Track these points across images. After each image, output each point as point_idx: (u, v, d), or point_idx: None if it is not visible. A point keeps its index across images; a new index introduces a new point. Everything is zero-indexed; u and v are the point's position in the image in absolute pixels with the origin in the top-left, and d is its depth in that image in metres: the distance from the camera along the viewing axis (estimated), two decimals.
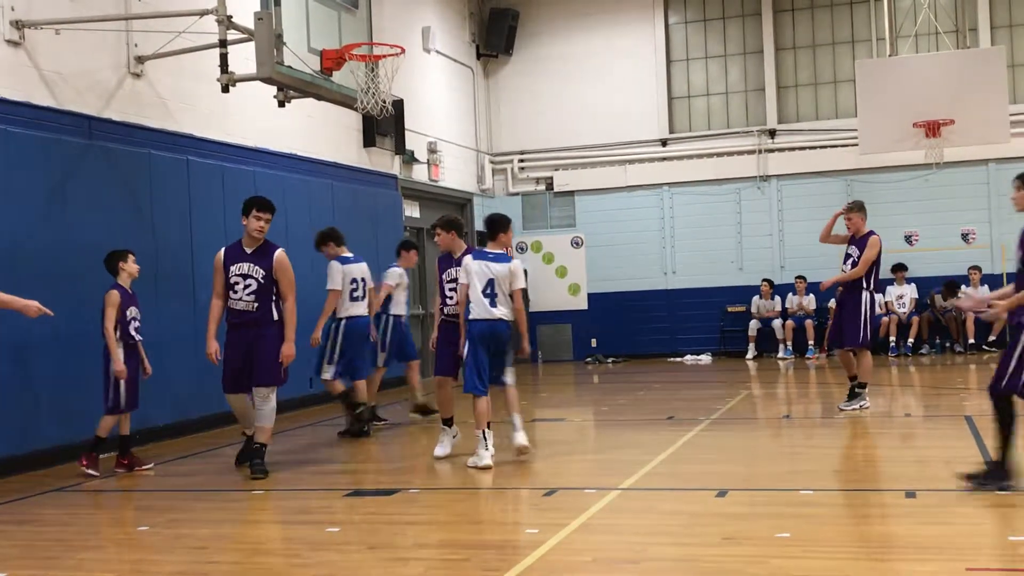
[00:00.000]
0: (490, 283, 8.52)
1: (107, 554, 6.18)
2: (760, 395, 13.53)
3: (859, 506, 6.85)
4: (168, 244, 11.40)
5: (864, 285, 10.85)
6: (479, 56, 20.54)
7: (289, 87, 10.50)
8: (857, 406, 10.85)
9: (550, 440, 10.73)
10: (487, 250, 8.69)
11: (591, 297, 20.50)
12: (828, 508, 6.78)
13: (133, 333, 8.98)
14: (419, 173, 17.79)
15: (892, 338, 18.14)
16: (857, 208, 11.18)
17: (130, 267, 9.15)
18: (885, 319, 18.25)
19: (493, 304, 8.51)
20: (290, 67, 10.12)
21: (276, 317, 8.60)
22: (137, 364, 9.03)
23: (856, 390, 10.98)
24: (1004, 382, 6.76)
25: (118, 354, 8.79)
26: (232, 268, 8.62)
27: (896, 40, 17.08)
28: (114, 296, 8.90)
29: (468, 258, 8.68)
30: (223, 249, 8.83)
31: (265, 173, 13.09)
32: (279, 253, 8.68)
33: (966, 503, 6.72)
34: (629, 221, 20.11)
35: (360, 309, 10.75)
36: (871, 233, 11.01)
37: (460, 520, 6.80)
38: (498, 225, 8.77)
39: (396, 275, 11.65)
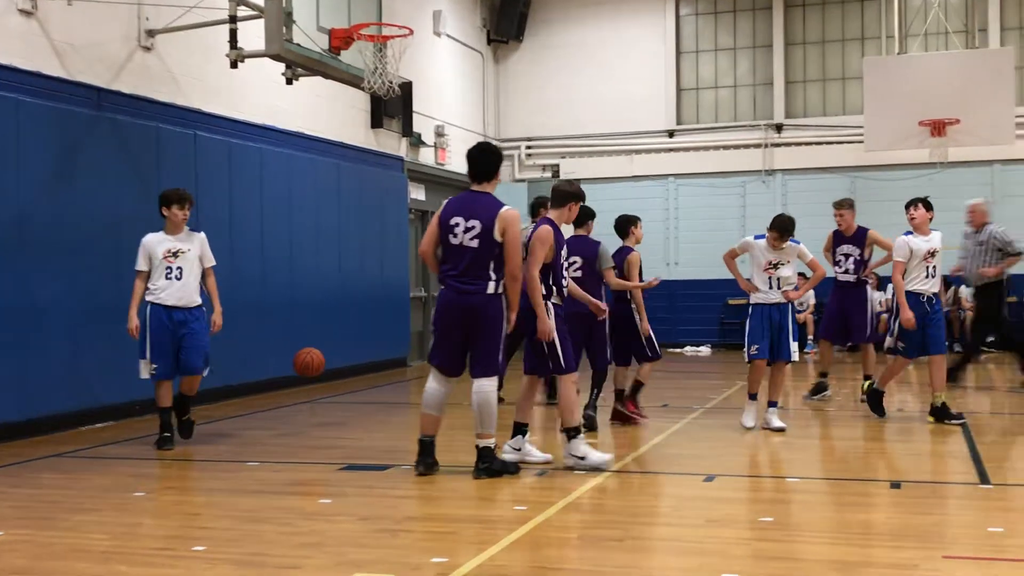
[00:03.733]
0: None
1: (103, 517, 6.29)
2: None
3: (844, 494, 6.94)
4: None
5: (867, 280, 11.05)
6: (489, 41, 20.59)
7: (297, 65, 10.59)
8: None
9: (545, 422, 10.83)
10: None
11: None
12: (813, 495, 6.88)
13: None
14: (426, 156, 17.86)
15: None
16: (848, 206, 11.23)
17: (638, 232, 10.10)
18: (884, 316, 18.29)
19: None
20: (299, 45, 10.21)
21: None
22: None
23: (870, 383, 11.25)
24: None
25: (644, 313, 9.75)
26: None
27: (905, 38, 17.11)
28: (637, 257, 9.82)
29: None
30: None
31: (272, 151, 13.18)
32: None
33: (950, 495, 6.82)
34: (634, 211, 19.77)
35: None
36: (866, 229, 11.16)
37: (451, 496, 6.90)
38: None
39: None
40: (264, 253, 12.93)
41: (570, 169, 20.60)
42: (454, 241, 7.32)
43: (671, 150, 20.11)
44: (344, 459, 8.18)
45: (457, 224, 7.31)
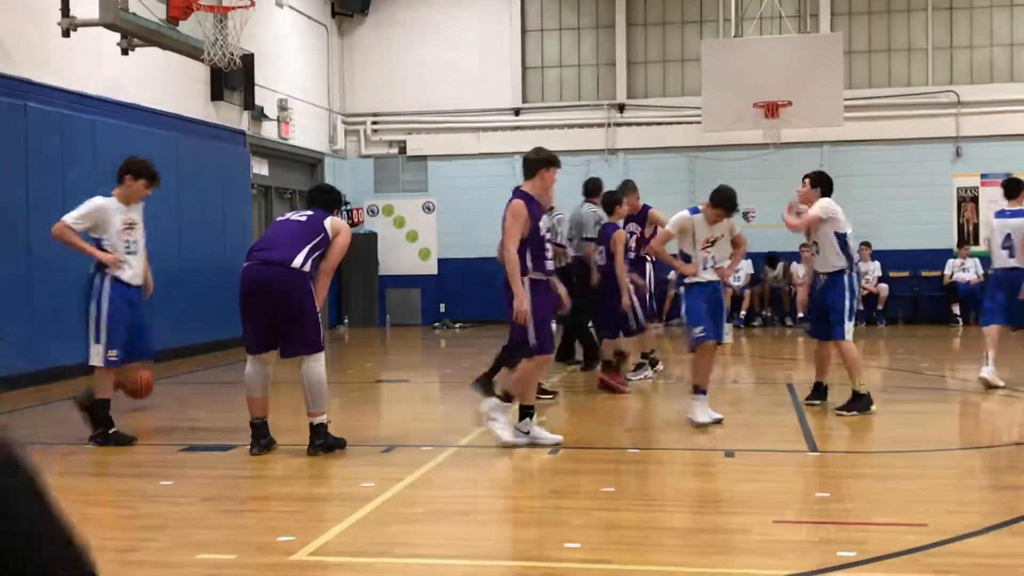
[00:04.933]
0: (1007, 237, 10.15)
1: None
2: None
3: (681, 464, 7.20)
4: (0, 191, 11.01)
5: (647, 259, 10.99)
6: (334, 14, 20.31)
7: (133, 34, 10.28)
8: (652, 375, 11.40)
9: (393, 400, 10.86)
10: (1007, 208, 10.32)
11: (441, 263, 20.63)
12: (653, 465, 7.10)
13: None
14: (269, 130, 17.54)
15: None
16: (633, 188, 11.31)
17: (622, 210, 10.55)
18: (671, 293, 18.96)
19: (1011, 255, 10.06)
20: (135, 14, 9.91)
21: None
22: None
23: (654, 358, 11.50)
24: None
25: (629, 287, 10.14)
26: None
27: (741, 22, 17.69)
28: (622, 235, 10.25)
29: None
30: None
31: (106, 123, 12.73)
32: None
33: (780, 463, 7.14)
34: (481, 188, 20.23)
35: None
36: (648, 207, 11.29)
37: (296, 475, 6.86)
38: None
39: None
40: None
41: (417, 146, 20.56)
42: (280, 219, 7.63)
43: (517, 128, 20.27)
44: (185, 440, 8.04)
45: (291, 213, 7.75)
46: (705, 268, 8.28)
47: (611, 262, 10.21)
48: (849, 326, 8.72)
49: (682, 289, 8.50)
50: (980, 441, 8.37)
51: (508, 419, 7.49)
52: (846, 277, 8.77)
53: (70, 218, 7.81)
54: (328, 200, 7.77)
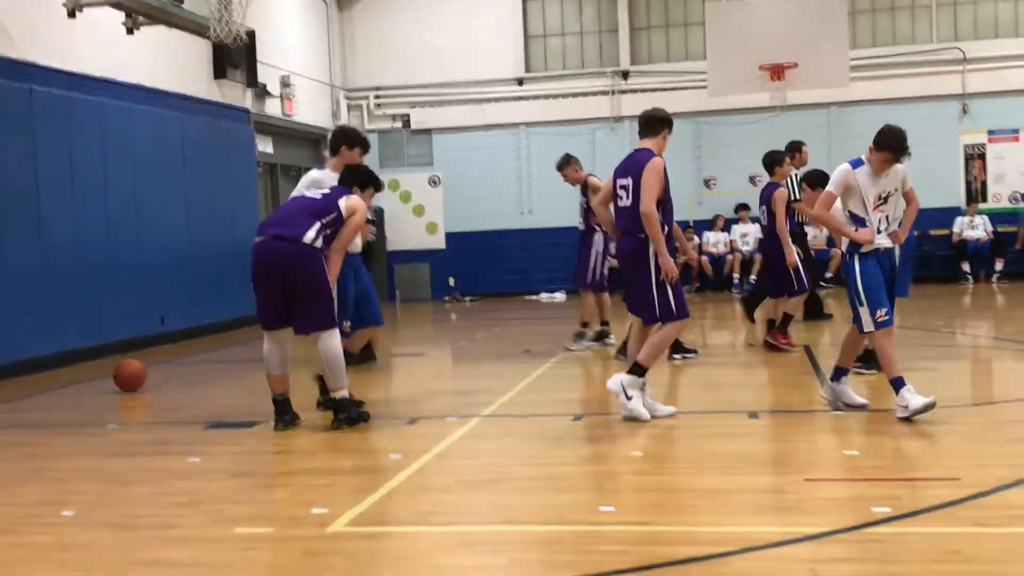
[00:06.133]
0: None
1: None
2: (612, 329, 13.90)
3: (706, 427, 7.19)
4: (10, 176, 10.98)
5: (596, 228, 10.83)
6: None
7: (138, 13, 10.23)
8: (584, 346, 11.22)
9: (410, 373, 10.87)
10: None
11: (449, 236, 20.62)
12: (678, 429, 7.09)
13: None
14: (272, 107, 17.48)
15: (736, 275, 18.86)
16: (568, 162, 11.12)
17: (784, 169, 10.65)
18: (730, 257, 18.96)
19: None
20: None
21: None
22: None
23: (581, 330, 11.36)
24: None
25: (791, 247, 10.27)
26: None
27: None
28: (782, 193, 10.35)
29: None
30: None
31: (113, 104, 12.69)
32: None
33: (805, 423, 7.14)
34: (486, 160, 20.21)
35: None
36: (590, 175, 11.16)
37: (322, 449, 6.87)
38: None
39: None
40: (108, 211, 12.50)
41: (421, 119, 20.49)
42: (294, 193, 7.61)
43: (521, 98, 20.18)
44: (208, 418, 8.04)
45: (306, 192, 7.59)
46: (880, 232, 6.92)
47: (772, 222, 10.42)
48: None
49: (855, 259, 6.95)
50: (997, 396, 8.38)
51: (643, 395, 7.28)
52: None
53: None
54: (351, 178, 7.60)
